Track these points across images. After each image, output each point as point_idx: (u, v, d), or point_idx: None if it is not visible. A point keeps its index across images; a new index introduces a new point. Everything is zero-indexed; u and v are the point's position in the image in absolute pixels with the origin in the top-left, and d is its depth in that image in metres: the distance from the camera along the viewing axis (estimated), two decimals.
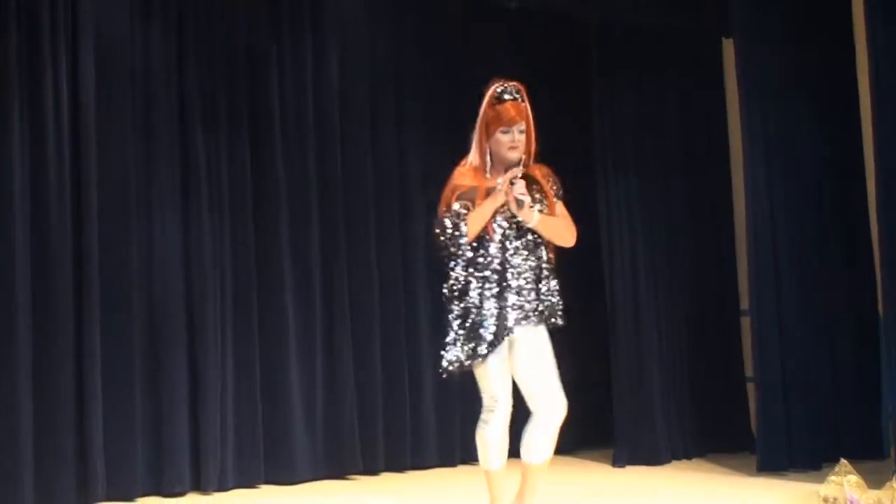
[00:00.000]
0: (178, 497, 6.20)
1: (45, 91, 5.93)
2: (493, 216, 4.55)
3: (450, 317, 4.64)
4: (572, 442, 7.47)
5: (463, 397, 7.07)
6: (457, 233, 4.54)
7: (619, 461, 7.13)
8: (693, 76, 7.71)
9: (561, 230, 4.67)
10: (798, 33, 6.96)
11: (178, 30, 6.53)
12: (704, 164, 7.70)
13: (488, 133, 4.60)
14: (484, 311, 4.54)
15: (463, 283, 4.58)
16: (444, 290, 4.66)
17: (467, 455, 6.99)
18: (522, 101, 4.63)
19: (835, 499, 3.74)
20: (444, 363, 4.64)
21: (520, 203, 4.49)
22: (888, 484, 3.94)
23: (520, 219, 4.56)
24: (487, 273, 4.55)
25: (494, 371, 4.58)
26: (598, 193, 7.33)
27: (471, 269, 4.57)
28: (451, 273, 4.62)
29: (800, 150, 6.90)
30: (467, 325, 4.57)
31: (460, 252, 4.57)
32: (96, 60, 6.12)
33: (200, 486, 6.30)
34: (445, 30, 7.53)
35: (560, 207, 4.70)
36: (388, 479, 6.86)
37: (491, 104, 4.61)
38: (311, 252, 6.84)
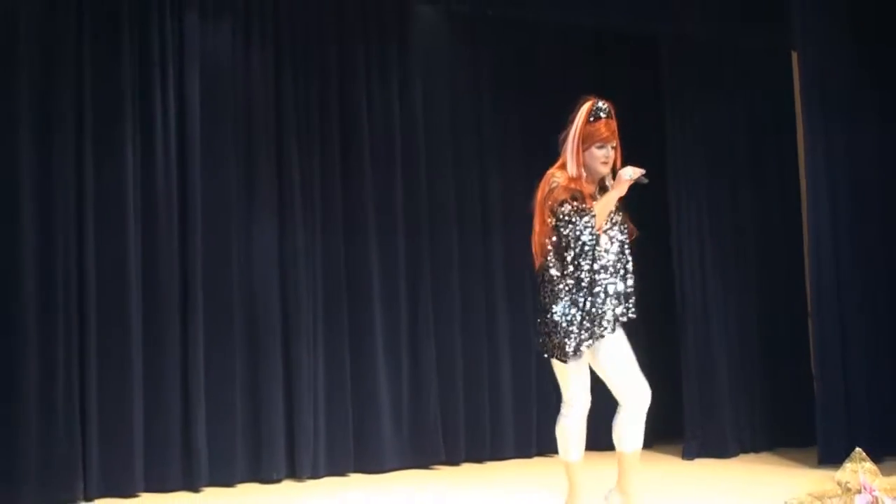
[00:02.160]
0: (274, 483, 6.72)
1: (154, 115, 6.59)
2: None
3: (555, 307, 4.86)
4: (646, 436, 7.87)
5: (539, 394, 7.53)
6: (581, 219, 4.80)
7: (688, 454, 7.50)
8: (763, 88, 7.99)
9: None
10: (862, 45, 7.25)
11: (276, 59, 7.05)
12: (774, 174, 7.98)
13: (585, 147, 4.89)
14: (579, 315, 4.82)
15: (570, 285, 4.83)
16: (548, 291, 4.89)
17: (543, 447, 7.44)
18: (613, 119, 4.95)
19: (848, 483, 4.09)
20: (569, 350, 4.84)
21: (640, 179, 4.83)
22: None
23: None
24: (587, 277, 4.83)
25: (575, 368, 4.87)
26: (670, 200, 7.69)
27: (578, 273, 4.82)
28: (557, 274, 4.85)
29: (862, 159, 7.20)
30: (562, 322, 4.83)
31: (573, 249, 4.81)
32: (201, 87, 6.73)
33: (295, 474, 6.82)
34: (518, 56, 7.92)
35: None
36: (468, 470, 7.30)
37: (587, 121, 4.91)
38: (398, 262, 7.32)
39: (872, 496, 4.03)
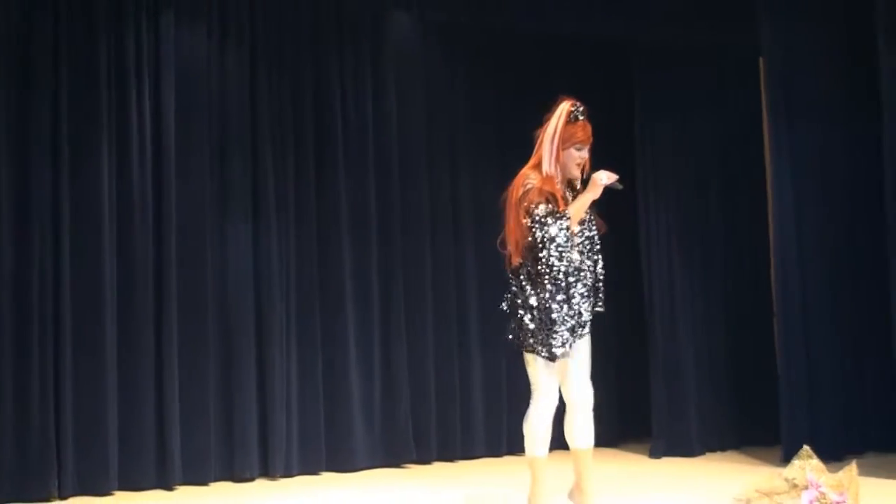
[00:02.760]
0: (247, 482, 6.83)
1: (130, 119, 6.69)
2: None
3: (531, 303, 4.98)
4: (614, 435, 8.05)
5: (509, 393, 7.65)
6: (555, 222, 4.93)
7: (655, 453, 7.65)
8: (733, 95, 8.12)
9: None
10: (827, 48, 7.39)
11: (251, 63, 7.14)
12: (742, 178, 8.11)
13: (564, 147, 5.03)
14: (561, 315, 4.95)
15: (548, 285, 4.95)
16: (527, 292, 4.99)
17: (514, 446, 7.56)
18: (589, 122, 5.10)
19: (795, 480, 4.22)
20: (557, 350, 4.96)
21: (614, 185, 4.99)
22: (847, 467, 4.40)
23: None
24: (564, 278, 4.96)
25: (550, 366, 4.99)
26: (639, 204, 7.84)
27: (553, 273, 4.93)
28: (534, 274, 4.97)
29: (826, 162, 7.35)
30: (546, 322, 4.94)
31: (547, 251, 4.93)
32: (176, 91, 6.83)
33: (268, 473, 6.94)
34: (492, 62, 8.03)
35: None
36: (439, 468, 7.42)
37: (568, 120, 5.04)
38: (370, 264, 7.43)
39: (818, 492, 4.16)
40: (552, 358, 4.96)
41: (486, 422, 7.77)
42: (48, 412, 6.25)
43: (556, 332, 4.96)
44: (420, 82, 7.77)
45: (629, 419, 8.17)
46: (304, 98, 7.32)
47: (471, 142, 7.94)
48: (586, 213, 5.10)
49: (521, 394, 5.24)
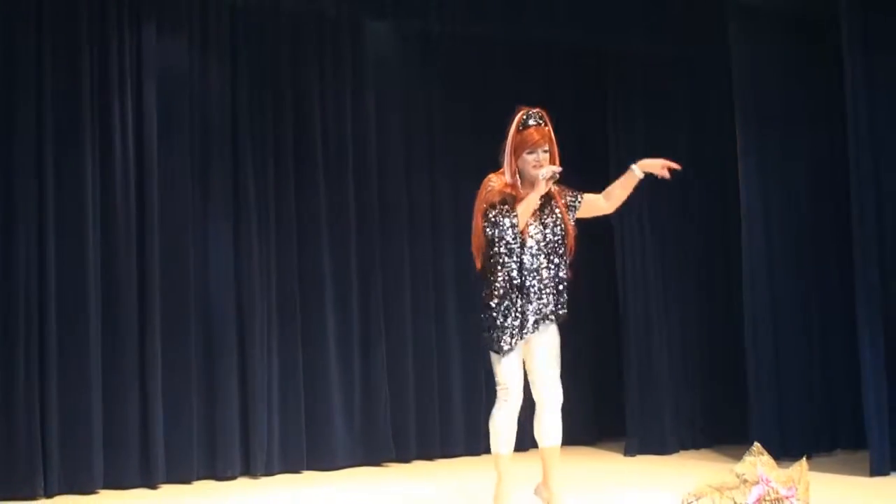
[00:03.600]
0: (229, 480, 7.00)
1: (113, 126, 6.83)
2: (527, 225, 5.16)
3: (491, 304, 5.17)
4: (591, 434, 8.23)
5: (488, 392, 7.78)
6: (504, 220, 5.13)
7: (629, 451, 7.83)
8: (705, 101, 8.31)
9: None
10: (794, 53, 7.59)
11: (232, 70, 7.32)
12: (715, 185, 8.30)
13: (517, 155, 5.26)
14: (511, 311, 5.15)
15: (500, 282, 5.14)
16: (486, 290, 5.19)
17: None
18: (546, 125, 5.26)
19: (745, 475, 4.38)
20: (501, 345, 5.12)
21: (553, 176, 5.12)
22: (797, 463, 4.57)
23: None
24: (516, 276, 5.13)
25: (508, 363, 5.15)
26: (614, 213, 7.96)
27: (505, 270, 5.11)
28: (490, 273, 5.15)
29: (793, 170, 7.54)
30: (498, 318, 5.15)
31: (497, 247, 5.14)
32: (158, 99, 6.99)
33: (250, 472, 7.11)
34: (468, 68, 8.20)
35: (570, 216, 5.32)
36: (419, 467, 7.59)
37: (518, 129, 5.23)
38: (350, 266, 7.60)
39: (768, 487, 4.32)
40: (498, 352, 5.14)
41: (465, 421, 7.93)
42: (34, 412, 6.40)
43: (505, 328, 5.13)
44: (398, 88, 7.96)
45: (606, 419, 8.35)
46: (284, 106, 7.48)
47: (448, 145, 8.11)
48: (549, 214, 5.25)
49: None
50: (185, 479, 6.89)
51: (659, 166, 5.43)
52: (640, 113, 8.10)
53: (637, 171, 5.41)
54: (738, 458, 7.29)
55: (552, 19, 7.77)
